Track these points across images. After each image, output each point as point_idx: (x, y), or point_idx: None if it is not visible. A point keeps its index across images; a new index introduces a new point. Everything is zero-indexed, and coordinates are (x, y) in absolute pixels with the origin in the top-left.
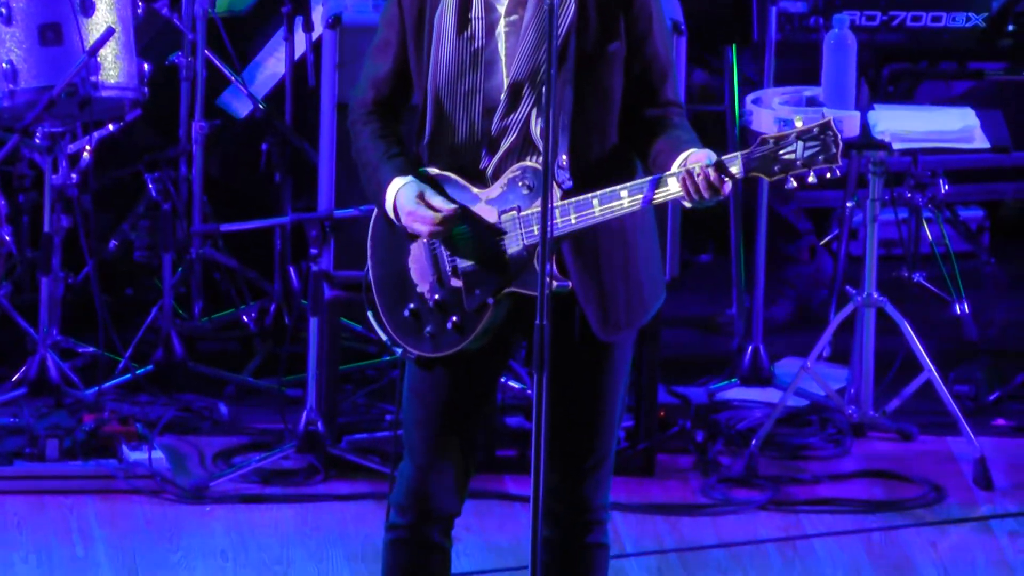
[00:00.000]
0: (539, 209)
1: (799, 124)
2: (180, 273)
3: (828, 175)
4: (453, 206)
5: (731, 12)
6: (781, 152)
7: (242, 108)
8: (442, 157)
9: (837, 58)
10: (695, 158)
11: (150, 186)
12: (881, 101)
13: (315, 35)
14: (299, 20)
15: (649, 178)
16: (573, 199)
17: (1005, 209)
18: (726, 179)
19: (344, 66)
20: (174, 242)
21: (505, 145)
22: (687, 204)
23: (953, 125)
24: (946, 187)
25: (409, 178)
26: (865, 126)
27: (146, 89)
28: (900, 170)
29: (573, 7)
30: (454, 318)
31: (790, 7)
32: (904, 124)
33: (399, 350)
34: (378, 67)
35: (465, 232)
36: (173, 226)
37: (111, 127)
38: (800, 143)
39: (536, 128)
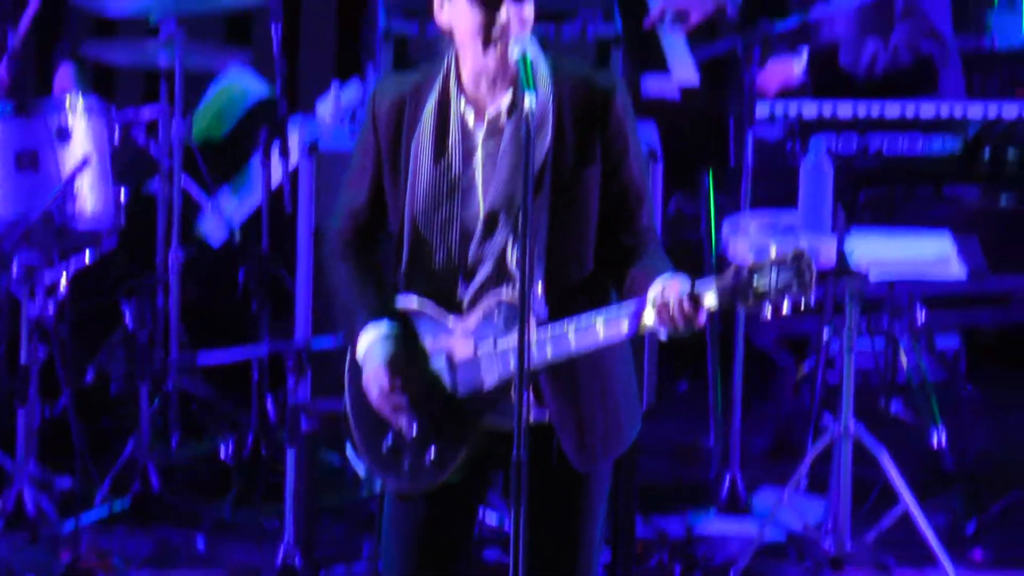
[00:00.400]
0: (515, 342)
1: (773, 253)
2: (157, 403)
3: (802, 304)
4: (404, 396)
5: (707, 138)
6: (755, 281)
7: (218, 235)
8: (419, 285)
9: (813, 183)
10: (670, 287)
11: (126, 315)
12: (858, 225)
13: (292, 162)
14: (276, 147)
15: (624, 308)
16: (549, 332)
17: (982, 335)
18: (701, 309)
19: (321, 193)
20: (151, 372)
21: (481, 274)
22: (662, 334)
23: (930, 252)
24: (923, 314)
25: (384, 327)
26: (842, 254)
27: (122, 217)
28: (877, 297)
29: (550, 134)
30: (432, 452)
31: (766, 132)
32: (881, 251)
33: (378, 482)
34: (355, 195)
35: (442, 366)
36: (150, 356)
37: (87, 256)
38: (774, 272)
39: (512, 257)
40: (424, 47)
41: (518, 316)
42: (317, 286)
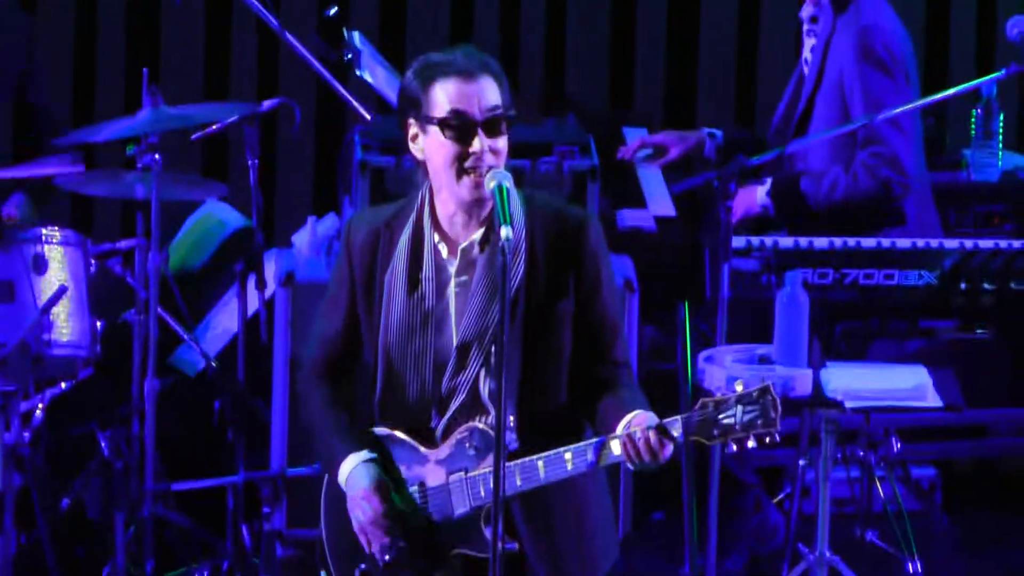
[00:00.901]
0: (486, 471)
1: (739, 388)
2: (132, 531)
3: (767, 440)
4: (390, 521)
5: (683, 270)
6: (721, 416)
7: (194, 366)
8: (393, 415)
9: (789, 316)
10: (638, 421)
11: (102, 444)
12: (833, 359)
13: (268, 292)
14: (251, 278)
15: (592, 441)
16: (519, 461)
17: (958, 467)
18: (667, 443)
19: (297, 323)
20: (126, 501)
21: (454, 405)
22: (630, 466)
23: (905, 383)
24: (898, 446)
25: (365, 455)
26: (817, 384)
27: (98, 347)
28: (853, 428)
29: (523, 267)
30: None
31: (742, 265)
32: (856, 382)
33: None
34: (328, 325)
35: (415, 494)
36: (126, 485)
37: (63, 385)
38: (740, 408)
39: (485, 388)
40: (401, 179)
41: (489, 445)
42: (293, 415)
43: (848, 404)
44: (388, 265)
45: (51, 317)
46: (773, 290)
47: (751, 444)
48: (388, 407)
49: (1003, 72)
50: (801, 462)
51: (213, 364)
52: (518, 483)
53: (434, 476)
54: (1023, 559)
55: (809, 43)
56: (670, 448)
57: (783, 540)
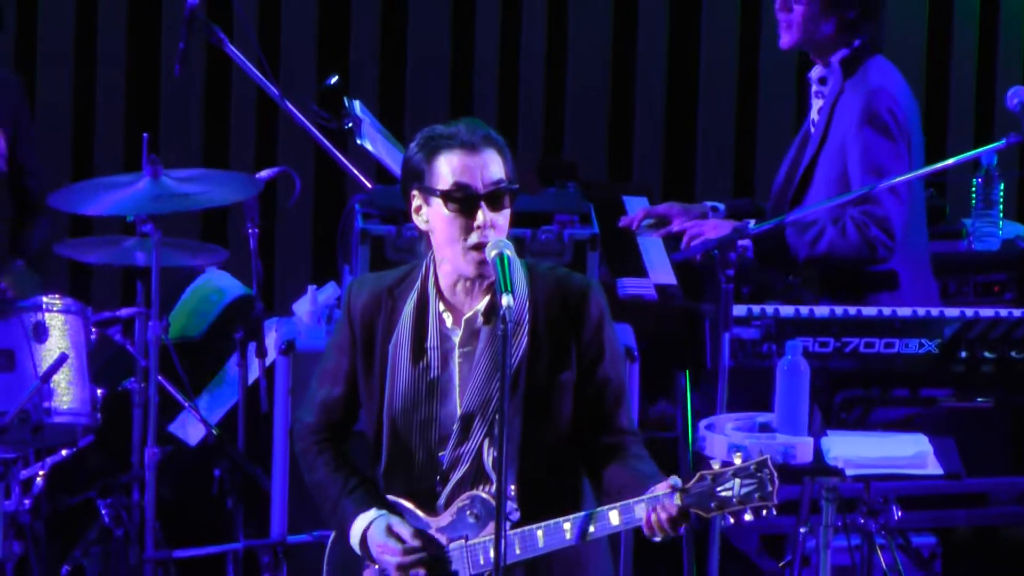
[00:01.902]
0: (486, 539)
1: (738, 461)
2: None
3: (763, 512)
4: (417, 542)
5: (684, 339)
6: (718, 489)
7: (194, 434)
8: (397, 484)
9: (790, 384)
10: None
11: (103, 512)
12: (834, 427)
13: (268, 361)
14: (252, 346)
15: (591, 512)
16: (519, 530)
17: (957, 536)
18: (663, 519)
19: (297, 392)
20: (127, 569)
21: (458, 475)
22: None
23: (906, 451)
24: (899, 514)
25: (373, 513)
26: (818, 452)
27: (99, 415)
28: (853, 496)
29: (525, 338)
30: None
31: (743, 334)
32: (857, 451)
33: None
34: (329, 391)
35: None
36: (126, 553)
37: (64, 453)
38: (737, 480)
39: (488, 458)
40: (401, 248)
41: (490, 513)
42: (293, 483)
43: (848, 472)
44: (391, 333)
45: (52, 385)
46: (774, 358)
47: (748, 517)
48: (393, 477)
49: (1003, 142)
50: (802, 530)
51: (214, 432)
52: (517, 551)
53: (436, 545)
54: None
55: (817, 104)
56: (679, 523)
57: None
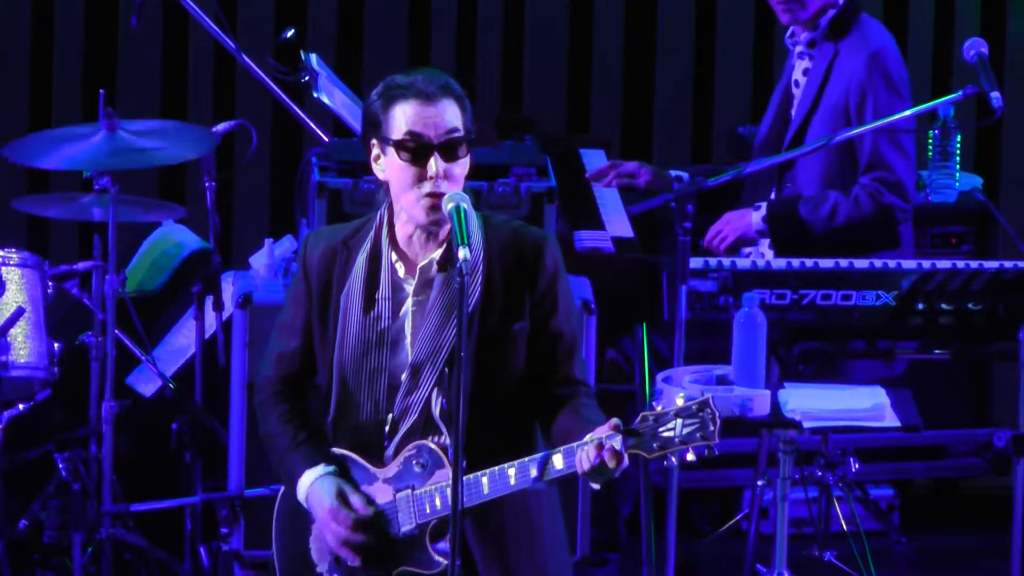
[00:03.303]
0: (431, 488)
1: (679, 402)
2: (90, 553)
3: (706, 453)
4: (368, 512)
5: (641, 291)
6: (660, 429)
7: (151, 387)
8: (345, 436)
9: (747, 337)
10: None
11: (60, 466)
12: (791, 380)
13: (225, 314)
14: (209, 299)
15: (536, 456)
16: (464, 478)
17: (915, 488)
18: (605, 457)
19: (254, 345)
20: (84, 522)
21: (406, 425)
22: (589, 482)
23: (864, 404)
24: (856, 466)
25: (321, 469)
26: (775, 405)
27: (56, 369)
28: (810, 449)
29: (479, 288)
30: None
31: (700, 286)
32: (814, 403)
33: None
34: (286, 343)
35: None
36: (83, 506)
37: (21, 407)
38: (679, 421)
39: (436, 408)
40: (358, 201)
41: (437, 462)
42: (250, 436)
43: (806, 424)
44: (344, 284)
45: (8, 339)
46: (731, 311)
47: (690, 458)
48: (341, 427)
49: (960, 93)
50: (759, 483)
51: (171, 386)
52: (463, 499)
53: (382, 494)
54: None
55: (801, 65)
56: (618, 461)
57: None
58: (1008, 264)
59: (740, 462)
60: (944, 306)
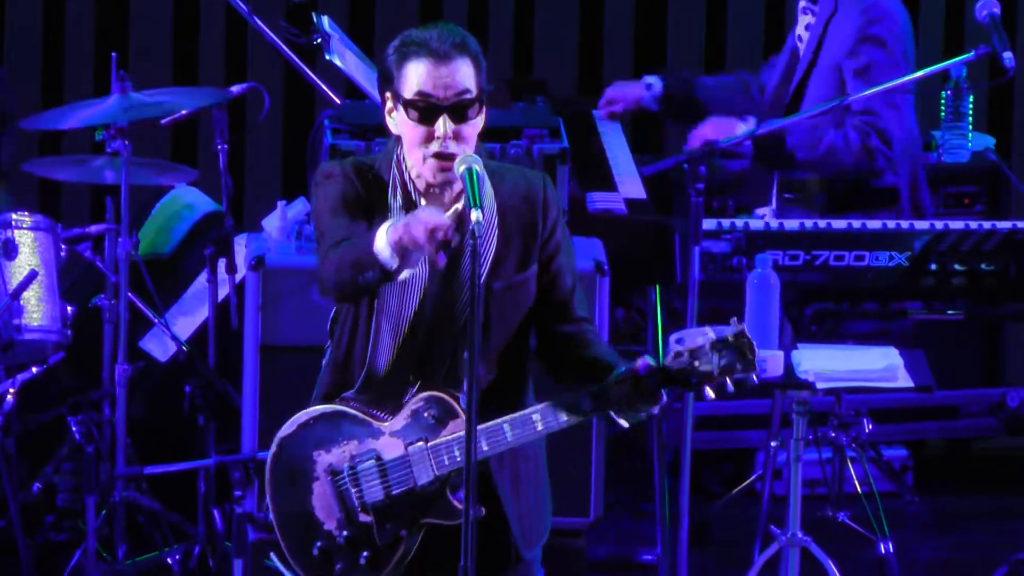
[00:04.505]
0: (448, 439)
1: (711, 335)
2: (103, 516)
3: (747, 385)
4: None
5: (654, 253)
6: (696, 363)
7: (165, 351)
8: (369, 391)
9: (760, 298)
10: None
11: (73, 429)
12: (804, 341)
13: (238, 277)
14: (222, 262)
15: (560, 399)
16: (485, 426)
17: (928, 448)
18: (647, 397)
19: (267, 308)
20: (97, 485)
21: (430, 376)
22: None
23: (876, 364)
24: (870, 427)
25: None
26: (789, 366)
27: (69, 332)
28: (824, 410)
29: (495, 241)
30: (365, 553)
31: (713, 247)
32: (827, 364)
33: None
34: (351, 226)
35: (371, 468)
36: (96, 469)
37: (34, 370)
38: (715, 353)
39: (456, 362)
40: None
41: (449, 412)
42: (264, 399)
43: (819, 385)
44: (384, 214)
45: (21, 302)
46: (744, 272)
47: (730, 388)
48: (367, 382)
49: (972, 54)
50: (772, 444)
51: (184, 349)
52: (484, 448)
53: (390, 449)
54: (993, 539)
55: (804, 20)
56: (656, 400)
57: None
58: (1021, 224)
59: (753, 423)
60: (956, 266)
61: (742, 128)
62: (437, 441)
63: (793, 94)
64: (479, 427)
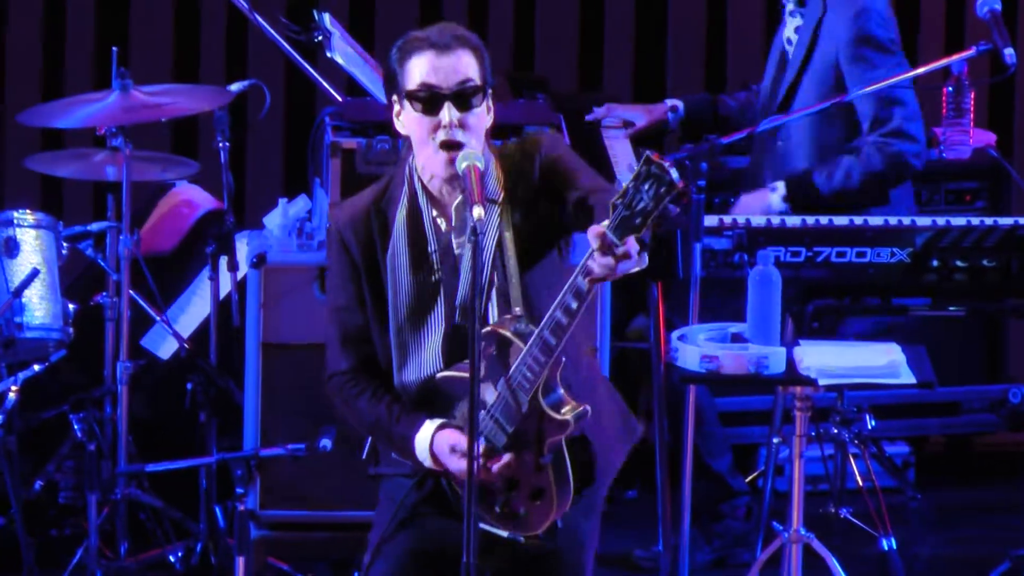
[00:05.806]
0: (516, 365)
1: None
2: (105, 513)
3: (683, 201)
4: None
5: (655, 249)
6: (633, 204)
7: (166, 348)
8: (409, 387)
9: (761, 294)
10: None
11: (75, 427)
12: (806, 337)
13: (239, 274)
14: (223, 260)
15: (566, 290)
16: (529, 343)
17: (930, 445)
18: (614, 252)
19: (268, 305)
20: (99, 483)
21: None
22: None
23: (878, 360)
24: (872, 423)
25: (433, 426)
26: (790, 362)
27: (71, 329)
28: (826, 406)
29: (508, 231)
30: (524, 491)
31: (714, 244)
32: (829, 360)
33: None
34: (348, 323)
35: (483, 417)
36: (98, 466)
37: (36, 367)
38: (640, 187)
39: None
40: (372, 160)
41: (504, 343)
42: (265, 396)
43: (821, 382)
44: (388, 244)
45: (23, 300)
46: (745, 269)
47: (674, 210)
48: (404, 381)
49: (973, 50)
50: (774, 440)
51: (186, 346)
52: (541, 359)
53: (487, 394)
54: (995, 534)
55: (793, 23)
56: (622, 255)
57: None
58: (1022, 220)
59: (755, 419)
60: (958, 262)
61: (775, 198)
62: (511, 371)
63: (785, 95)
64: (528, 344)
